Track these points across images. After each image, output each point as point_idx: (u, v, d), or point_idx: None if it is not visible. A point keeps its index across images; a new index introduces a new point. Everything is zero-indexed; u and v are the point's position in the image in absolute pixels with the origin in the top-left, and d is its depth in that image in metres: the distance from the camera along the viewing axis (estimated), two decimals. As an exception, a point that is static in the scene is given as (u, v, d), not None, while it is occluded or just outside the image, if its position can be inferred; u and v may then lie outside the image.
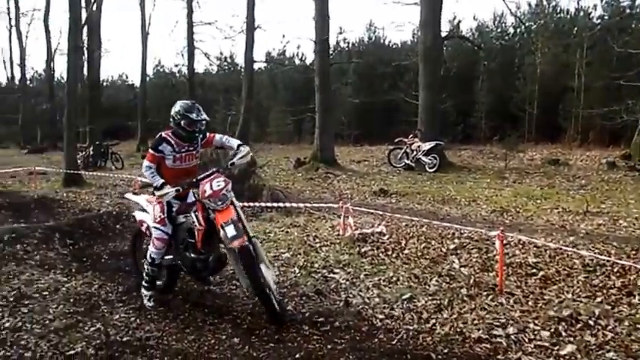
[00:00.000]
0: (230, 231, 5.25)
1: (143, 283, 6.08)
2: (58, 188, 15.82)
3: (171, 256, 6.04)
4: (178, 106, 5.76)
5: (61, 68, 57.30)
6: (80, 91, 26.00)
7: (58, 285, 6.68)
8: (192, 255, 5.73)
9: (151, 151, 5.81)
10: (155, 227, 5.85)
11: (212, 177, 5.53)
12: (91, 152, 23.65)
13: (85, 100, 27.80)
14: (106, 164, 23.58)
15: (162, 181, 5.58)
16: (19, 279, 6.90)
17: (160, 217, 5.83)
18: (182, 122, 5.66)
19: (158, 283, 6.23)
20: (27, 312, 5.79)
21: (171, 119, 5.76)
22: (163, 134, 5.80)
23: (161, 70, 49.17)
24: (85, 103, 27.78)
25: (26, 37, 44.21)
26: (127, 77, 52.33)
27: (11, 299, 6.14)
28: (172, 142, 5.75)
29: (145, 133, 34.75)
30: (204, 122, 5.75)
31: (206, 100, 36.39)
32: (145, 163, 5.80)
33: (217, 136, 6.15)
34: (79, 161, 19.93)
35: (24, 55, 43.56)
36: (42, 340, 5.07)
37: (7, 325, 5.40)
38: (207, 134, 6.09)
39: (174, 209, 5.91)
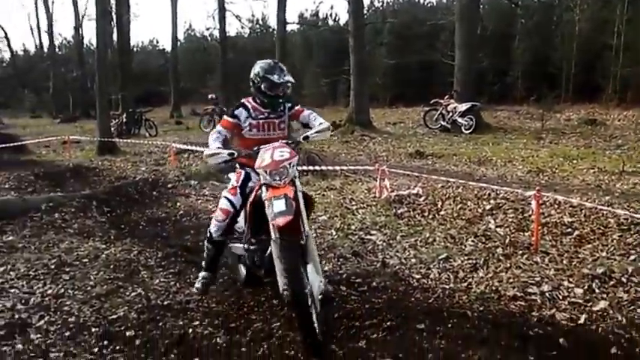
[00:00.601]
0: (278, 205, 4.20)
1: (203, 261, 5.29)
2: (92, 157, 16.03)
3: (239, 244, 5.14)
4: (258, 67, 5.00)
5: (89, 34, 57.00)
6: (110, 58, 26.13)
7: (98, 252, 6.80)
8: (245, 245, 4.96)
9: (225, 116, 5.17)
10: (224, 196, 5.12)
11: (276, 146, 4.62)
12: (124, 120, 23.54)
13: (115, 66, 27.88)
14: (139, 131, 23.42)
15: (218, 145, 4.78)
16: (59, 247, 7.03)
17: (232, 185, 5.13)
18: (262, 86, 4.91)
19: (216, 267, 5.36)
20: (68, 279, 5.91)
21: (250, 83, 5.03)
22: (243, 100, 5.13)
23: (192, 34, 49.19)
24: (116, 69, 27.83)
25: (52, 2, 44.35)
26: (157, 42, 52.49)
27: (52, 267, 6.26)
28: (249, 106, 5.02)
29: (178, 99, 34.99)
30: (289, 85, 4.99)
31: (239, 64, 36.39)
32: (217, 127, 5.09)
33: (307, 112, 5.26)
34: (112, 129, 20.00)
35: (51, 21, 43.13)
36: (84, 305, 5.19)
37: (49, 292, 5.53)
38: (298, 105, 5.28)
39: (251, 182, 5.08)
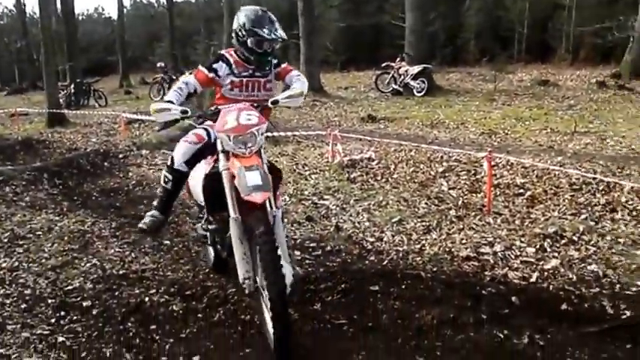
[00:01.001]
0: (253, 178, 3.52)
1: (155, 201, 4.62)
2: (42, 129, 15.69)
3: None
4: (243, 16, 4.23)
5: (32, 2, 55.46)
6: (55, 27, 25.37)
7: (51, 224, 6.66)
8: (203, 224, 4.40)
9: (200, 67, 4.38)
10: (199, 127, 4.46)
11: (241, 107, 3.93)
12: (73, 91, 23.09)
13: (61, 36, 27.12)
14: (88, 102, 23.07)
15: (176, 98, 4.15)
16: (11, 220, 6.86)
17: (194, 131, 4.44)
18: (249, 40, 4.18)
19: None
20: (22, 252, 5.79)
21: (233, 35, 4.31)
22: (223, 51, 4.46)
23: (139, 1, 48.13)
24: (62, 39, 27.10)
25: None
26: (103, 10, 51.40)
27: (5, 240, 6.12)
28: (232, 61, 4.30)
29: (126, 69, 34.19)
30: (279, 41, 4.28)
31: (187, 31, 35.69)
32: (183, 78, 4.42)
33: (294, 72, 4.62)
34: (61, 100, 19.59)
35: (-9, -11, 41.85)
36: (40, 277, 5.10)
37: (4, 265, 5.41)
38: (284, 64, 4.61)
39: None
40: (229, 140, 3.72)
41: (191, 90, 4.28)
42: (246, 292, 3.68)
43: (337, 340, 3.82)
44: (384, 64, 20.12)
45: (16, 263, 5.46)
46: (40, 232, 6.37)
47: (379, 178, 7.92)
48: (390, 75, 19.61)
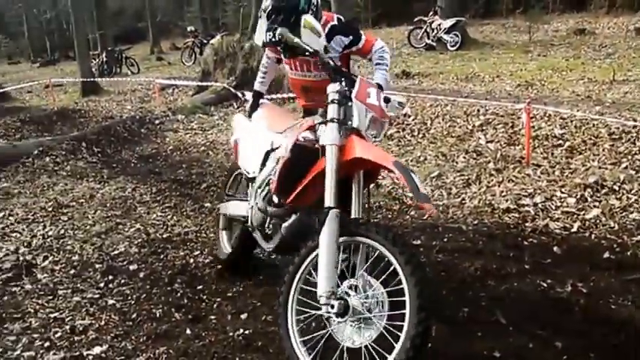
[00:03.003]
0: (420, 183, 2.84)
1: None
2: (76, 99, 15.90)
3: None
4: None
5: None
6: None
7: (93, 192, 6.81)
8: (260, 202, 3.59)
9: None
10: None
11: (375, 85, 3.30)
12: (105, 59, 23.01)
13: (90, 3, 27.28)
14: (121, 70, 23.08)
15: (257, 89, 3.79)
16: (54, 189, 7.05)
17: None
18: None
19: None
20: (67, 220, 5.93)
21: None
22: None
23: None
24: (92, 7, 27.24)
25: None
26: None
27: (50, 209, 6.27)
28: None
29: (157, 35, 34.09)
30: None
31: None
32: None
33: (378, 44, 3.86)
34: (93, 69, 19.76)
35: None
36: (86, 244, 5.21)
37: (50, 233, 5.55)
38: (364, 35, 3.79)
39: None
40: (366, 117, 3.04)
41: (264, 70, 4.11)
42: (331, 312, 2.75)
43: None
44: (416, 19, 19.82)
45: (62, 231, 5.61)
46: (83, 200, 6.53)
47: (416, 133, 7.94)
48: (423, 30, 19.31)
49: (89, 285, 4.36)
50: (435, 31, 18.77)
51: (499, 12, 27.34)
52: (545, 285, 3.82)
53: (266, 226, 3.60)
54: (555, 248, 4.33)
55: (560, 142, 6.83)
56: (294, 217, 3.32)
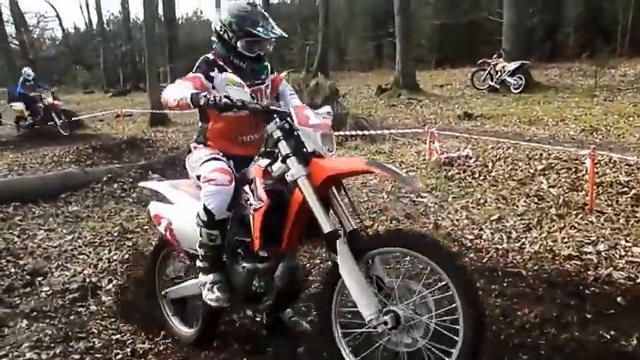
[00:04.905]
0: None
1: (199, 264, 3.58)
2: (145, 129, 16.53)
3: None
4: (226, 14, 3.50)
5: (136, 9, 57.78)
6: (157, 30, 26.45)
7: (157, 219, 7.05)
8: (245, 264, 3.44)
9: (195, 74, 3.50)
10: (208, 159, 3.55)
11: (306, 107, 3.33)
12: (174, 91, 23.83)
13: (163, 38, 28.23)
14: (189, 102, 23.78)
15: (194, 91, 3.25)
16: (120, 215, 7.31)
17: (214, 166, 3.45)
18: (239, 43, 3.47)
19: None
20: (131, 245, 6.15)
21: (215, 37, 3.62)
22: (210, 56, 3.61)
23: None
24: (164, 42, 28.18)
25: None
26: (201, 13, 52.71)
27: (115, 234, 6.50)
28: (226, 67, 3.53)
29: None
30: (273, 41, 3.63)
31: (287, 31, 36.12)
32: (173, 84, 3.56)
33: (284, 82, 4.02)
34: (163, 101, 20.36)
35: (99, -2, 43.56)
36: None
37: (115, 257, 5.76)
38: (272, 70, 3.91)
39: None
40: (317, 138, 3.09)
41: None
42: (386, 327, 2.84)
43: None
44: (480, 61, 19.81)
45: (127, 256, 5.79)
46: (147, 227, 6.69)
47: (477, 175, 7.89)
48: (487, 72, 19.28)
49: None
50: (499, 74, 18.71)
51: (565, 55, 26.99)
52: (608, 337, 3.71)
53: (256, 285, 3.43)
54: (619, 299, 4.21)
55: (626, 189, 6.67)
56: (281, 265, 3.32)
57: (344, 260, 2.93)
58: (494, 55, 19.13)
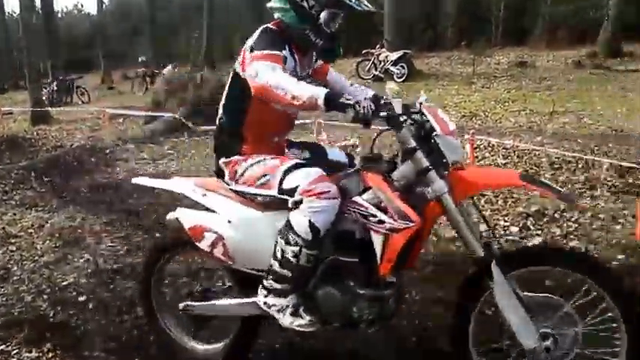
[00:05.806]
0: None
1: (272, 284, 2.93)
2: (26, 127, 15.60)
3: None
4: None
5: (11, 2, 54.49)
6: (34, 22, 25.19)
7: (42, 222, 6.69)
8: (364, 291, 2.82)
9: (268, 51, 2.72)
10: (310, 181, 2.73)
11: (437, 108, 2.79)
12: (55, 88, 22.91)
13: (41, 33, 26.85)
14: (72, 99, 22.94)
15: (328, 91, 2.59)
16: (2, 219, 6.92)
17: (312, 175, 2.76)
18: (323, 14, 2.85)
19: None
20: (15, 249, 5.84)
21: (283, 3, 2.90)
22: (274, 28, 2.94)
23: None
24: (43, 36, 26.81)
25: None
26: (82, 6, 50.69)
27: (-2, 239, 6.19)
28: (295, 53, 2.96)
29: (108, 64, 33.69)
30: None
31: (166, 23, 35.35)
32: (266, 63, 2.66)
33: (332, 71, 3.41)
34: (44, 98, 19.51)
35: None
36: (34, 274, 5.14)
37: (-4, 263, 5.48)
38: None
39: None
40: (459, 147, 2.69)
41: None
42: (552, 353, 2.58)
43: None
44: (364, 51, 20.15)
45: (11, 260, 5.51)
46: (32, 230, 6.41)
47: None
48: (371, 61, 19.63)
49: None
50: (383, 63, 19.07)
51: (444, 45, 28.00)
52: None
53: (366, 312, 2.84)
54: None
55: (503, 171, 7.00)
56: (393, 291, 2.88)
57: (501, 287, 2.55)
58: (377, 45, 19.52)
